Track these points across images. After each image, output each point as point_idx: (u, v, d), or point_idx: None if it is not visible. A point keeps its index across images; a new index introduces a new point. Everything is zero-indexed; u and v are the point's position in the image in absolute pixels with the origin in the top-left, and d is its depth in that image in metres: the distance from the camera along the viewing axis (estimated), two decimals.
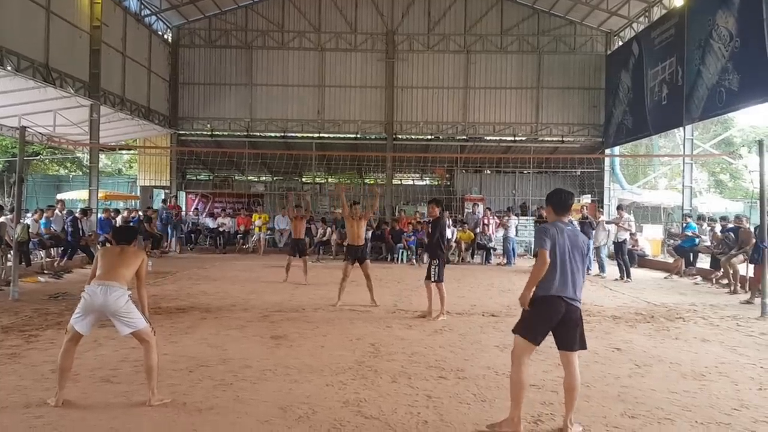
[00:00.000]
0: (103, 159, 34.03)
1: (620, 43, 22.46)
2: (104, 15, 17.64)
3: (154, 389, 4.73)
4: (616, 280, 14.19)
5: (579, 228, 15.82)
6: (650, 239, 19.44)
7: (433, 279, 8.71)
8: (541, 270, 4.14)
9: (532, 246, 19.42)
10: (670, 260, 16.25)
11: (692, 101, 16.28)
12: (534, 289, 4.22)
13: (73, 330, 4.70)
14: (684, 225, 16.11)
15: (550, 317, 4.19)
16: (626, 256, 14.78)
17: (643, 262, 17.67)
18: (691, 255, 15.19)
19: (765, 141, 9.93)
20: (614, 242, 15.07)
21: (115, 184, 31.51)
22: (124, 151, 32.79)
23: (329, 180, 28.40)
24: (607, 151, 23.14)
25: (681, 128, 17.93)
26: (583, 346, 4.34)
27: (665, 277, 14.96)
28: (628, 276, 14.28)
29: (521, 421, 4.18)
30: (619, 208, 15.57)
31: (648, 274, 15.20)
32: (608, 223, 15.39)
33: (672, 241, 17.64)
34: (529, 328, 4.23)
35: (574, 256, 4.24)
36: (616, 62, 22.10)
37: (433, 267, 8.74)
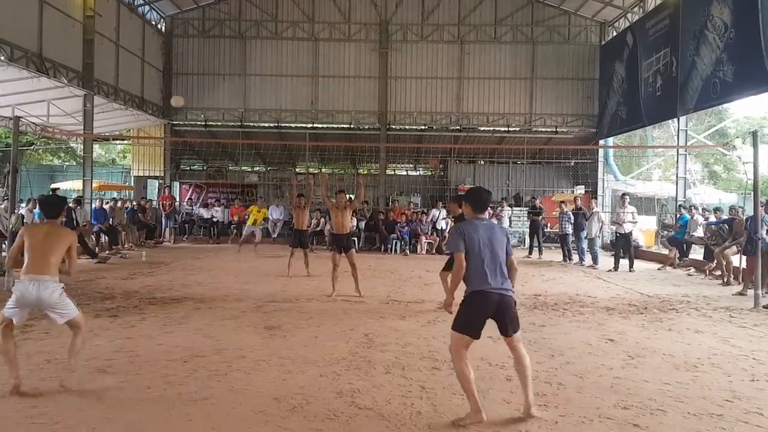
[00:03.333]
0: (97, 149, 33.80)
1: (614, 34, 22.43)
2: (97, 4, 17.52)
3: (73, 368, 4.80)
4: (610, 271, 14.26)
5: (573, 217, 16.00)
6: (644, 230, 19.51)
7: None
8: (459, 273, 4.31)
9: (526, 237, 19.46)
10: (664, 251, 16.33)
11: (686, 92, 16.29)
12: (456, 288, 4.43)
13: (8, 319, 4.69)
14: (678, 216, 16.18)
15: (485, 310, 4.31)
16: (632, 249, 14.92)
17: (637, 253, 17.69)
18: (685, 246, 15.27)
19: (759, 132, 9.96)
20: (620, 234, 15.08)
21: (109, 174, 31.38)
22: (117, 142, 32.59)
23: (323, 170, 28.35)
24: (601, 142, 23.15)
25: (675, 119, 17.93)
26: (516, 329, 4.42)
27: (659, 269, 15.04)
28: (631, 267, 14.54)
29: (481, 408, 4.22)
30: (624, 198, 15.54)
31: (642, 265, 15.26)
32: (614, 223, 15.37)
33: (666, 232, 17.72)
34: (467, 324, 4.31)
35: (494, 248, 4.36)
36: (611, 53, 22.07)
37: None
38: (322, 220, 19.35)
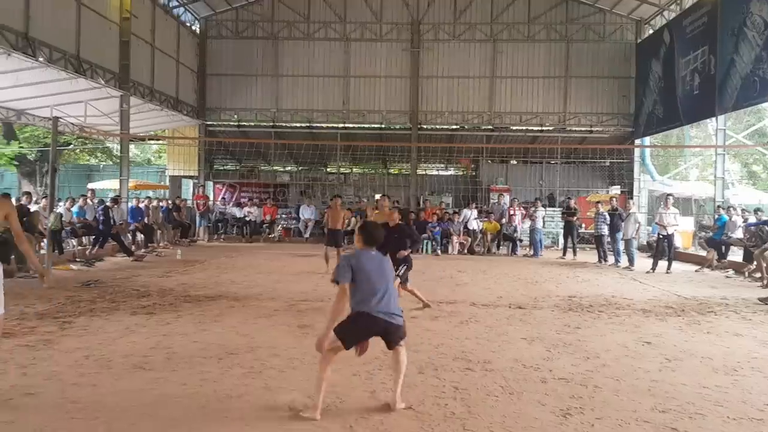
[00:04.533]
0: (133, 149, 34.47)
1: (651, 32, 22.04)
2: (133, 7, 17.81)
3: None
4: (647, 272, 14.01)
5: (609, 218, 15.76)
6: (681, 231, 19.11)
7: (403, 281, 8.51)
8: (341, 302, 4.37)
9: (560, 238, 19.26)
10: (702, 253, 15.99)
11: (725, 91, 15.95)
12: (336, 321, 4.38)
13: None
14: (716, 217, 15.83)
15: (367, 331, 4.42)
16: (673, 251, 14.64)
17: (675, 254, 17.40)
18: (723, 248, 14.94)
19: None
20: (662, 235, 14.76)
21: (144, 173, 31.92)
22: (153, 142, 33.18)
23: (354, 170, 28.43)
24: (637, 142, 22.78)
25: (713, 118, 17.56)
26: (401, 339, 4.55)
27: (696, 270, 14.73)
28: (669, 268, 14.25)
29: (319, 407, 4.28)
30: (667, 199, 15.17)
31: (679, 267, 14.96)
32: (659, 225, 15.00)
33: (704, 233, 17.35)
34: (347, 333, 4.35)
35: (384, 277, 4.47)
36: (647, 51, 21.70)
37: (402, 270, 8.40)
38: (353, 219, 19.39)
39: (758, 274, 12.47)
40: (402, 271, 8.29)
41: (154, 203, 18.51)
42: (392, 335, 4.47)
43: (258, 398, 4.64)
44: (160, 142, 31.67)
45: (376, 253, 4.68)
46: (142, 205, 17.38)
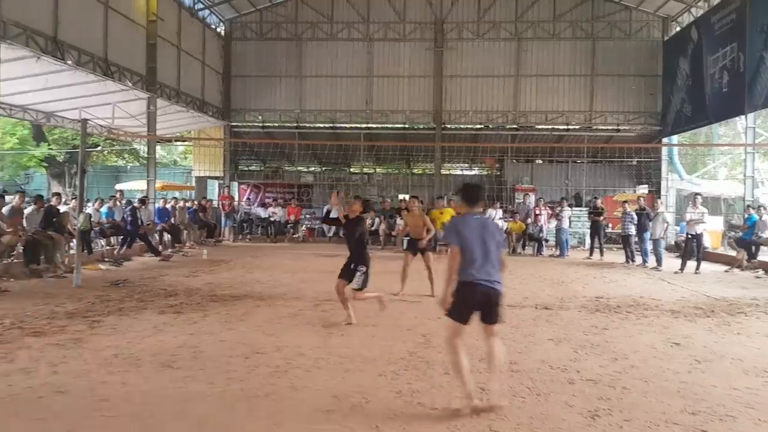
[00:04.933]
0: (159, 150, 34.88)
1: (678, 29, 21.72)
2: (159, 9, 18.04)
3: None
4: (676, 272, 13.80)
5: (636, 218, 15.53)
6: (710, 231, 18.81)
7: (357, 286, 7.39)
8: (453, 265, 4.50)
9: (587, 238, 19.08)
10: (732, 253, 15.72)
11: (754, 88, 15.66)
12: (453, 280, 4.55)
13: None
14: (746, 217, 15.54)
15: (473, 300, 4.51)
16: (702, 251, 14.43)
17: (704, 254, 17.13)
18: (753, 247, 14.66)
19: None
20: (691, 235, 14.53)
21: (171, 174, 32.33)
22: (179, 143, 33.56)
23: (377, 170, 28.45)
24: (665, 140, 22.46)
25: (742, 116, 17.26)
26: (497, 321, 4.62)
27: (726, 270, 14.48)
28: (698, 268, 14.06)
29: (472, 394, 4.40)
30: (696, 198, 14.93)
31: (708, 267, 14.71)
32: (690, 223, 14.78)
33: (733, 233, 17.05)
34: (454, 311, 4.52)
35: (486, 243, 4.55)
36: (674, 48, 21.38)
37: (359, 274, 7.38)
38: (377, 219, 19.42)
39: None
40: (358, 277, 7.35)
41: (181, 204, 18.71)
42: (492, 303, 4.53)
43: (285, 397, 4.66)
44: (186, 143, 32.04)
45: (480, 217, 4.80)
46: (168, 206, 17.58)
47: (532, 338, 6.89)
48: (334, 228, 20.94)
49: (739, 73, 16.48)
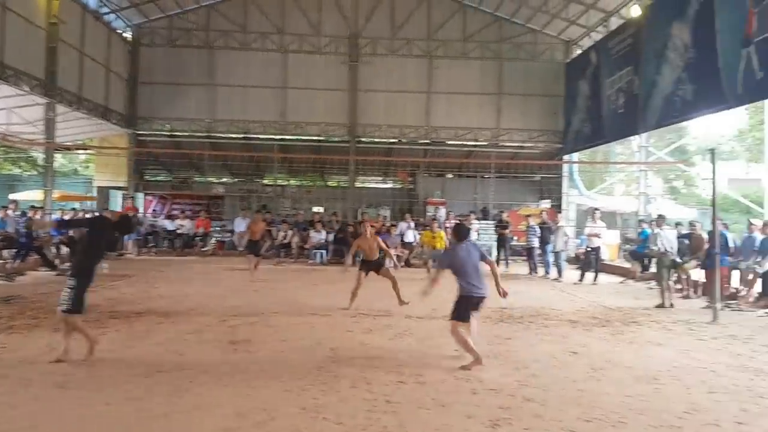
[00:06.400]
0: (59, 158, 33.11)
1: (579, 52, 22.85)
2: (62, 12, 17.22)
3: None
4: (575, 283, 14.43)
5: (539, 231, 16.18)
6: (607, 244, 19.80)
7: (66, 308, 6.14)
8: (436, 280, 6.88)
9: (493, 250, 19.61)
10: (627, 265, 16.60)
11: (648, 110, 16.63)
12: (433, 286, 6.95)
13: None
14: (639, 231, 16.47)
15: (471, 306, 6.48)
16: (599, 262, 15.21)
17: (601, 266, 17.99)
18: (646, 260, 15.54)
19: (716, 150, 10.23)
20: (591, 248, 15.22)
21: (71, 184, 30.74)
22: (80, 151, 31.99)
23: (291, 182, 28.21)
24: (566, 157, 23.51)
25: (637, 136, 18.30)
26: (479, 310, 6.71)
27: (621, 282, 15.29)
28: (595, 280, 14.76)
29: (480, 357, 6.25)
30: (594, 213, 15.69)
31: (605, 279, 15.48)
32: (589, 236, 15.47)
33: (628, 246, 18.02)
34: (461, 315, 6.44)
35: (473, 263, 6.57)
36: (575, 70, 22.47)
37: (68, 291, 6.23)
38: (290, 232, 19.22)
39: (679, 286, 13.03)
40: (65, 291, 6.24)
41: (80, 215, 17.83)
42: (478, 306, 6.57)
43: (185, 417, 4.52)
44: (88, 151, 30.57)
45: (467, 244, 6.76)
46: (67, 217, 16.73)
47: (438, 350, 7.02)
48: (245, 241, 20.54)
49: (634, 95, 17.45)
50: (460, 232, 6.88)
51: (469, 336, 6.41)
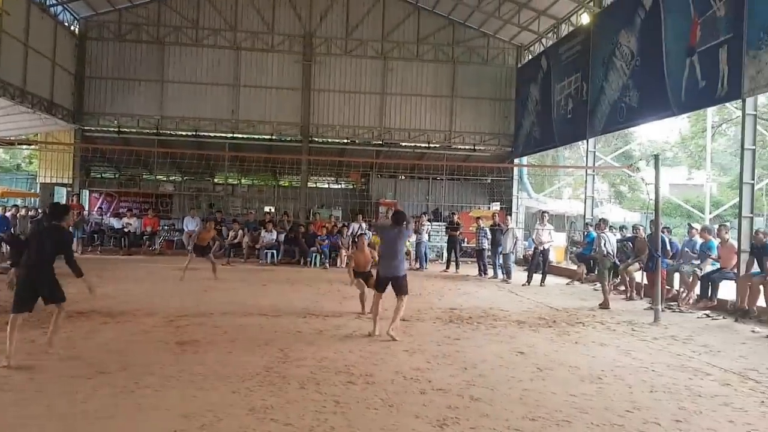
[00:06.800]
0: (1, 153, 31.95)
1: (530, 57, 23.27)
2: (5, 3, 16.57)
3: None
4: (523, 285, 14.70)
5: (489, 233, 16.43)
6: (554, 247, 20.22)
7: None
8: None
9: (444, 251, 19.84)
10: (574, 267, 16.99)
11: (595, 115, 17.07)
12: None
13: None
14: (585, 233, 16.88)
15: (386, 281, 8.08)
16: (547, 264, 15.58)
17: (548, 268, 18.36)
18: (592, 262, 15.95)
19: (660, 155, 10.58)
20: (540, 250, 15.47)
21: (13, 180, 29.69)
22: (23, 146, 30.90)
23: (242, 181, 27.88)
24: (516, 161, 23.90)
25: (585, 141, 18.75)
26: (405, 293, 8.16)
27: (567, 283, 15.65)
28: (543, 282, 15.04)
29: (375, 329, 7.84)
30: (543, 216, 16.01)
31: (552, 280, 15.82)
32: (537, 241, 15.74)
33: (575, 248, 18.45)
34: (378, 285, 8.20)
35: (397, 247, 8.11)
36: (526, 75, 22.86)
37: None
38: (240, 232, 19.00)
39: (622, 287, 13.43)
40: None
41: (23, 212, 17.25)
42: (398, 283, 8.07)
43: (129, 419, 4.44)
44: (32, 147, 29.55)
45: (398, 229, 8.12)
46: (8, 214, 16.16)
47: (388, 350, 7.06)
48: (194, 240, 20.22)
49: (582, 100, 17.88)
50: (398, 218, 8.30)
51: (377, 307, 7.99)
